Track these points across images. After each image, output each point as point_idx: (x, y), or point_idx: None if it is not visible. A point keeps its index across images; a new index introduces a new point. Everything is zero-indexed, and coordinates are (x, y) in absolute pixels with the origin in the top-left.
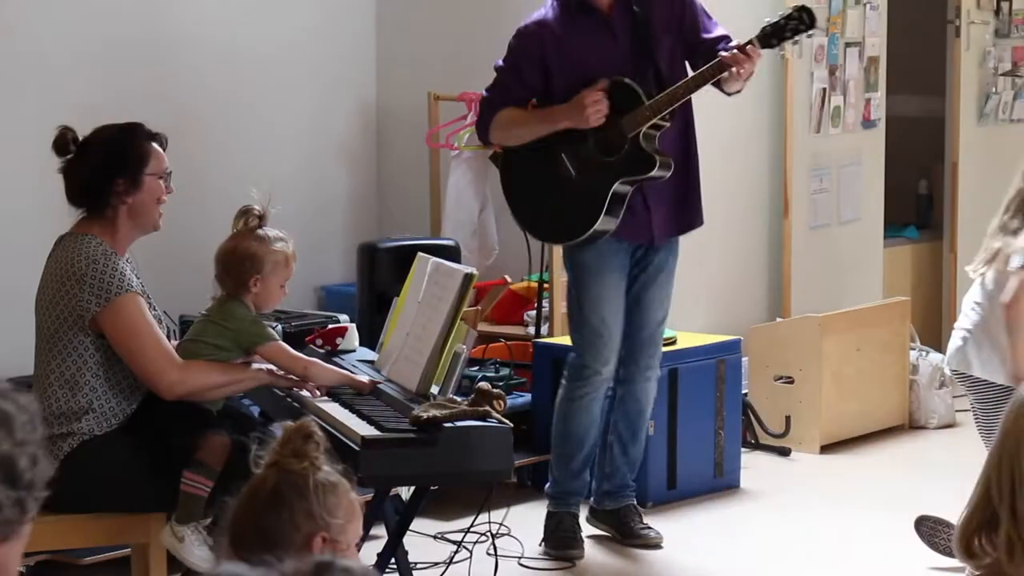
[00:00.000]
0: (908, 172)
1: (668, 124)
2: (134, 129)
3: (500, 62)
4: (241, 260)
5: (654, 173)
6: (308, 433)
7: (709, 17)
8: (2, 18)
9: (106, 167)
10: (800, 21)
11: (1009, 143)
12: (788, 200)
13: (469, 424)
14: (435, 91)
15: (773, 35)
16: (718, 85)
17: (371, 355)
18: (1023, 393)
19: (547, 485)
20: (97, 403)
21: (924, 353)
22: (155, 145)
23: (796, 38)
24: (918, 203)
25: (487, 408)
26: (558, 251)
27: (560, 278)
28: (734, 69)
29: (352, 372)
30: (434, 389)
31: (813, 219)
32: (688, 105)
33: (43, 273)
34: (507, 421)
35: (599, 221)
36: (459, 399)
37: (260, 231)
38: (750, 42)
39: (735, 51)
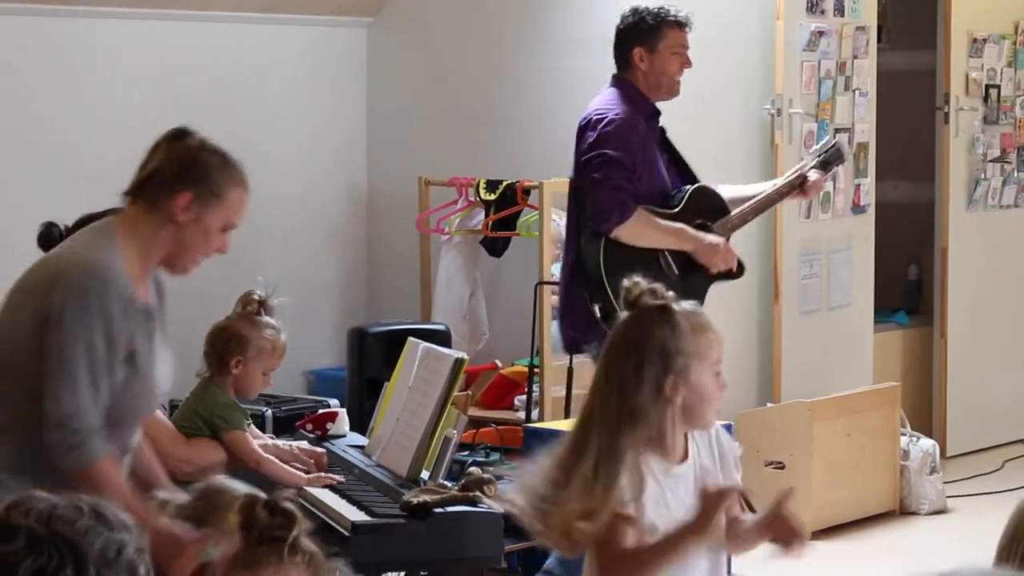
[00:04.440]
0: (898, 258)
1: None
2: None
3: (611, 151)
4: (228, 339)
5: (742, 275)
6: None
7: None
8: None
9: None
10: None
11: (998, 229)
12: (778, 286)
13: (459, 510)
14: (425, 176)
15: (827, 163)
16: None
17: (361, 440)
18: None
19: None
20: None
21: (915, 439)
22: None
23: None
24: (908, 288)
25: (477, 493)
26: (548, 336)
27: (551, 363)
28: (813, 191)
29: (306, 472)
30: (424, 474)
31: (803, 305)
32: None
33: None
34: (498, 506)
35: None
36: (449, 484)
37: (256, 316)
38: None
39: (810, 179)
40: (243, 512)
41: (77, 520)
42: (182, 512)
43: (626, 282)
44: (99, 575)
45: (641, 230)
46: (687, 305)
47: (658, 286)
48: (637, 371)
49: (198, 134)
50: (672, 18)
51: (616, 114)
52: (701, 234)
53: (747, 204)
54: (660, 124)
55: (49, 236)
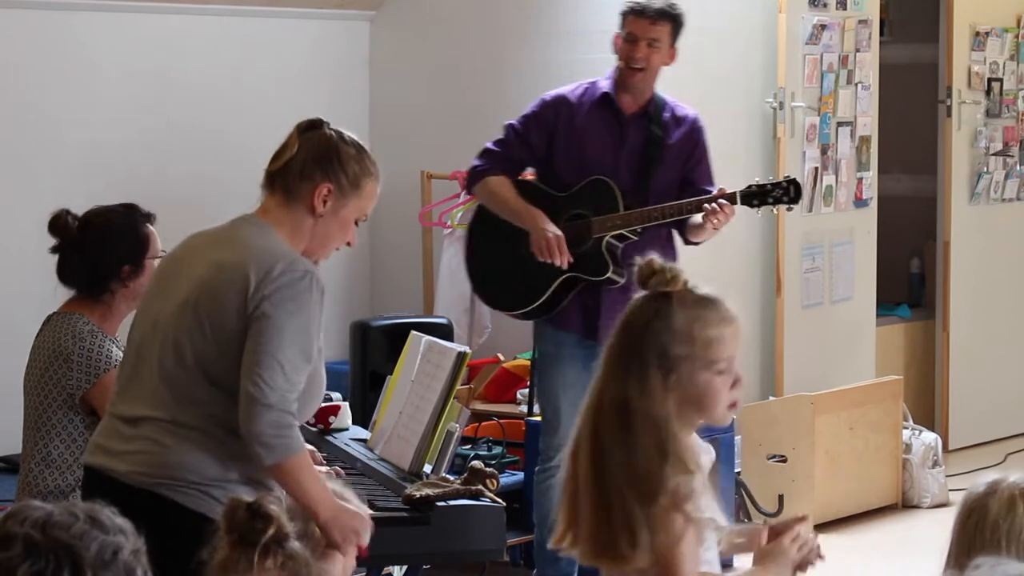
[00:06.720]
0: (900, 251)
1: (636, 238)
2: (133, 213)
3: (513, 122)
4: None
5: (602, 279)
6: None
7: (711, 173)
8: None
9: (111, 253)
10: (785, 192)
11: (1001, 222)
12: (780, 279)
13: (462, 503)
14: (428, 170)
15: (756, 196)
16: (683, 232)
17: (364, 434)
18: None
19: (534, 572)
20: None
21: (917, 432)
22: (150, 227)
23: (776, 207)
24: (910, 282)
25: (480, 487)
26: None
27: None
28: (711, 217)
29: None
30: (427, 468)
31: (805, 298)
32: (674, 228)
33: (31, 352)
34: (500, 500)
35: (536, 305)
36: (452, 478)
37: None
38: (732, 197)
39: (717, 203)
40: (226, 515)
41: (72, 525)
42: None
43: (641, 259)
44: None
45: (490, 197)
46: (703, 291)
47: (672, 267)
48: (632, 363)
49: (331, 124)
50: (628, 5)
51: (551, 94)
52: (538, 218)
53: (639, 209)
54: (687, 131)
55: (61, 223)
